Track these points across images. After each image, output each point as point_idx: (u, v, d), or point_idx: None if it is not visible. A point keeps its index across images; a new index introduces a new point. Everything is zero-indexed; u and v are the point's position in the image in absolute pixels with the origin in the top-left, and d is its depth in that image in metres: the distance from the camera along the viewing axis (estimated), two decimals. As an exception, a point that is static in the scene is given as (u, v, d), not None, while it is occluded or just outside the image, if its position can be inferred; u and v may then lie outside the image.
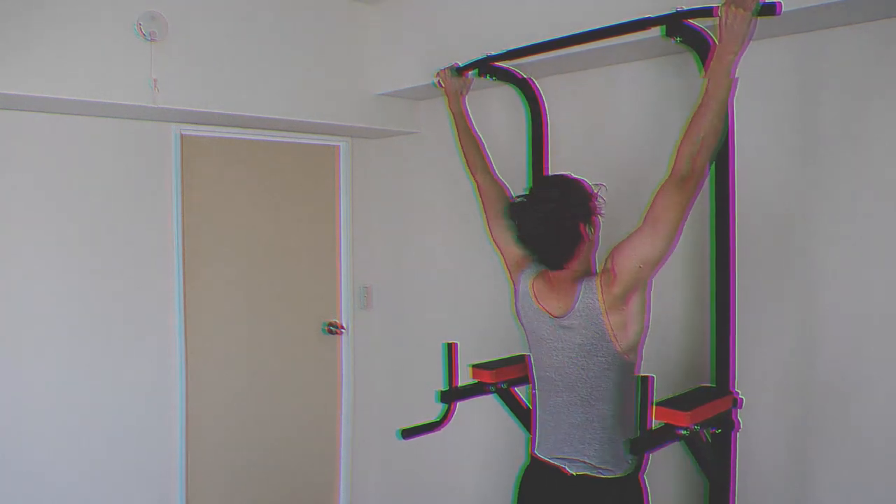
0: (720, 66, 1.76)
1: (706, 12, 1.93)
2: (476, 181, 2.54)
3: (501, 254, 2.33)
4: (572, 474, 2.03)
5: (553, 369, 2.09)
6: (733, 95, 1.83)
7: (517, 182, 2.95)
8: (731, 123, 2.00)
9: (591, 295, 1.95)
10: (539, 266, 2.16)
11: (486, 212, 2.47)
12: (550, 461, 2.09)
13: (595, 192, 2.05)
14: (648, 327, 2.02)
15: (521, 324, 2.21)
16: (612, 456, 2.01)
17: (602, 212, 2.05)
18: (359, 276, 3.89)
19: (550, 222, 1.97)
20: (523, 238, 2.03)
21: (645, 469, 2.10)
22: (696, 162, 1.78)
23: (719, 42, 1.77)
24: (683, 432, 1.88)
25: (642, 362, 2.47)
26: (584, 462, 2.02)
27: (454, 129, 2.65)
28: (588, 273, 2.04)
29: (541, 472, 2.13)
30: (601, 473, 2.00)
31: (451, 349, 2.50)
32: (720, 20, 1.76)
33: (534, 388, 2.21)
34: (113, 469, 3.12)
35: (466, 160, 2.59)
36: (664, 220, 1.82)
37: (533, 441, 2.20)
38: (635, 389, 1.90)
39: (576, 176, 2.06)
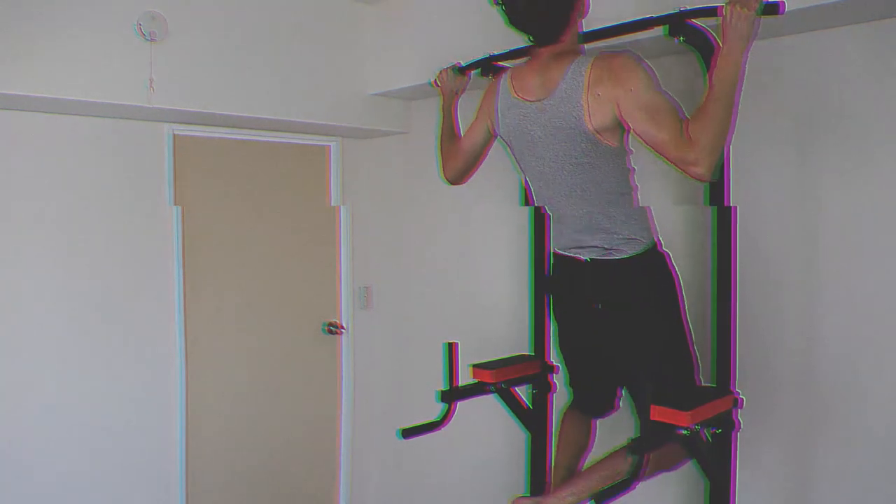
0: (728, 67, 1.71)
1: (709, 12, 1.92)
2: (448, 181, 2.51)
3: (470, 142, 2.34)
4: (586, 260, 2.03)
5: (539, 164, 2.05)
6: (738, 97, 1.79)
7: (511, 184, 2.95)
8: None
9: (578, 78, 1.86)
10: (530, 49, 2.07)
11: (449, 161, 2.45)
12: (565, 253, 2.11)
13: None
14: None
15: (505, 141, 2.18)
16: (620, 238, 1.98)
17: None
18: (358, 276, 3.89)
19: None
20: (512, 13, 1.92)
21: (643, 473, 2.04)
22: (711, 158, 1.70)
23: (724, 43, 1.74)
24: (684, 432, 1.87)
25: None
26: (595, 246, 2.01)
27: (439, 129, 2.58)
28: (577, 52, 1.96)
29: (561, 264, 2.16)
30: (613, 255, 1.99)
31: (451, 349, 2.49)
32: (724, 20, 1.73)
33: (533, 195, 2.21)
34: (113, 470, 3.12)
35: (444, 163, 2.48)
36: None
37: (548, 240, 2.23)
38: (632, 177, 1.93)
39: None
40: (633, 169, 2.01)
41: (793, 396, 2.29)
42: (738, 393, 2.04)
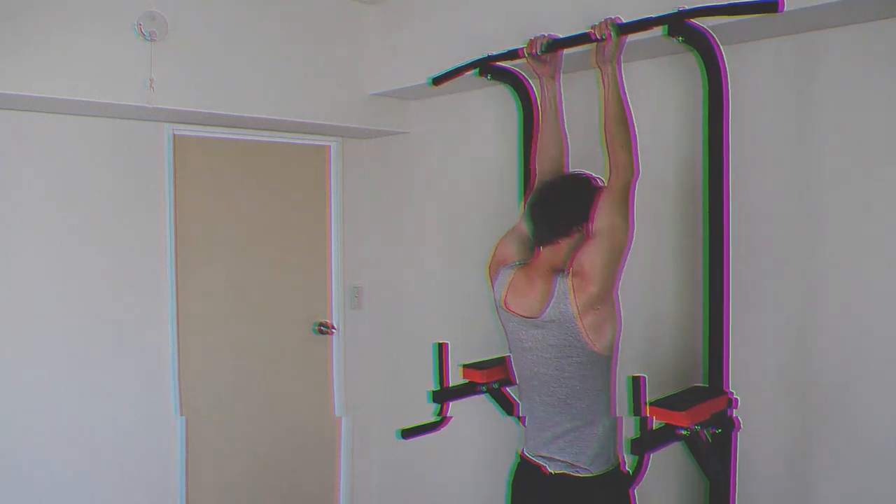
0: (608, 89, 2.04)
1: (708, 12, 1.94)
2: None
3: (493, 255, 2.32)
4: (551, 473, 2.05)
5: (529, 369, 2.11)
6: (627, 105, 2.03)
7: (510, 185, 2.95)
8: (726, 122, 2.01)
9: (563, 299, 1.96)
10: (523, 258, 2.19)
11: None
12: (533, 459, 2.11)
13: None
14: (622, 326, 2.05)
15: (501, 324, 2.23)
16: (591, 455, 2.01)
17: None
18: (350, 276, 3.87)
19: (562, 192, 2.09)
20: (531, 205, 2.11)
21: (644, 473, 2.07)
22: (631, 166, 1.98)
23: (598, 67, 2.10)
24: (684, 432, 1.87)
25: (631, 363, 2.48)
26: (563, 461, 2.03)
27: (545, 121, 2.31)
28: (563, 271, 2.03)
29: (526, 471, 2.15)
30: (579, 472, 2.01)
31: (441, 349, 2.49)
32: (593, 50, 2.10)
33: (518, 387, 2.24)
34: (112, 470, 3.10)
35: (540, 160, 2.32)
36: (618, 222, 1.95)
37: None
38: (614, 386, 1.97)
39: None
40: (615, 381, 2.06)
41: (791, 396, 2.29)
42: (732, 393, 2.04)
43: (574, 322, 1.95)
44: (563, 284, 1.97)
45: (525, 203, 2.22)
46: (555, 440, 2.05)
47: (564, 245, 2.05)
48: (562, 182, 2.14)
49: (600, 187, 2.05)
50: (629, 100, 2.06)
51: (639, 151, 2.04)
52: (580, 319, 1.94)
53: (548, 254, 2.08)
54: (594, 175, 2.11)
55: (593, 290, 1.92)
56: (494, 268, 2.26)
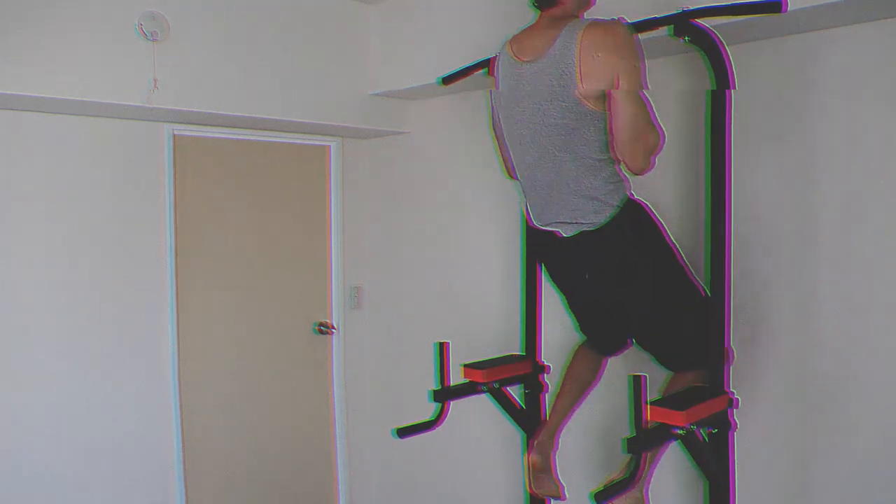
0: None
1: (712, 12, 1.95)
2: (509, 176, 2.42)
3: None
4: (565, 236, 2.06)
5: (519, 127, 2.08)
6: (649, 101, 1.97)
7: (510, 185, 2.95)
8: (728, 124, 2.01)
9: (570, 40, 1.91)
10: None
11: None
12: (543, 228, 2.12)
13: None
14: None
15: (494, 109, 2.20)
16: (592, 208, 2.00)
17: None
18: (350, 276, 3.87)
19: None
20: None
21: (640, 474, 2.06)
22: (650, 158, 1.94)
23: None
24: (680, 432, 1.87)
25: (631, 363, 2.48)
26: (569, 223, 2.04)
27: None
28: (574, 17, 2.00)
29: (541, 239, 2.17)
30: (588, 227, 2.01)
31: (442, 348, 2.48)
32: None
33: (514, 172, 2.23)
34: (112, 470, 3.08)
35: (504, 162, 2.40)
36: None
37: (526, 213, 2.21)
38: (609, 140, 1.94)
39: None
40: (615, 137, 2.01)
41: (790, 396, 2.29)
42: (733, 393, 2.04)
43: (572, 59, 1.89)
44: (577, 23, 1.93)
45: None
46: (553, 202, 2.05)
47: (569, 4, 2.02)
48: None
49: None
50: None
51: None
52: (579, 59, 1.89)
53: (550, 14, 2.03)
54: None
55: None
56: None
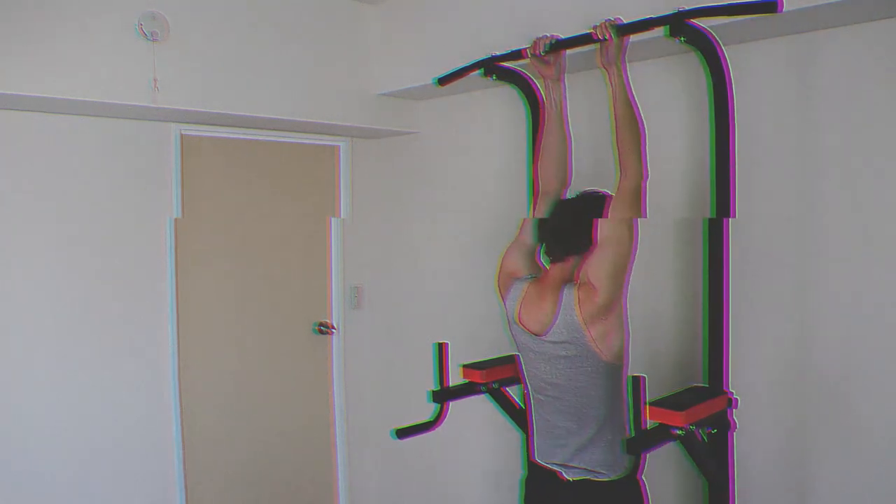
0: (616, 91, 2.04)
1: (708, 12, 1.94)
2: (547, 192, 2.32)
3: (500, 267, 2.33)
4: (570, 480, 2.06)
5: (541, 379, 2.13)
6: (635, 105, 2.03)
7: (518, 186, 2.95)
8: (732, 122, 2.01)
9: (570, 310, 1.98)
10: (531, 271, 2.22)
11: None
12: (548, 466, 2.12)
13: None
14: (629, 333, 2.06)
15: (512, 336, 2.25)
16: (607, 459, 2.03)
17: None
18: (350, 276, 3.87)
19: (577, 214, 2.09)
20: (547, 224, 2.16)
21: (643, 469, 2.10)
22: (639, 167, 1.98)
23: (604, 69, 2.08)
24: (679, 432, 1.87)
25: (631, 363, 2.48)
26: (581, 468, 2.05)
27: (549, 123, 2.30)
28: (570, 282, 2.07)
29: (541, 477, 2.16)
30: (598, 477, 2.03)
31: (441, 349, 2.49)
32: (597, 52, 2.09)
33: (527, 393, 2.25)
34: (111, 471, 3.09)
35: (543, 164, 2.32)
36: (624, 233, 1.96)
37: (530, 447, 2.22)
38: (626, 392, 1.95)
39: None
40: (626, 388, 2.06)
41: (789, 396, 2.29)
42: (732, 393, 2.04)
43: (582, 332, 1.96)
44: (570, 295, 1.99)
45: (534, 215, 2.27)
46: (569, 448, 2.07)
47: (573, 260, 2.08)
48: (580, 203, 2.14)
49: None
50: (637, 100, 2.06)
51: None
52: (587, 330, 1.96)
53: (557, 270, 2.11)
54: (608, 192, 2.11)
55: (599, 300, 1.93)
56: (504, 280, 2.27)
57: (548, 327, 2.04)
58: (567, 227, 2.09)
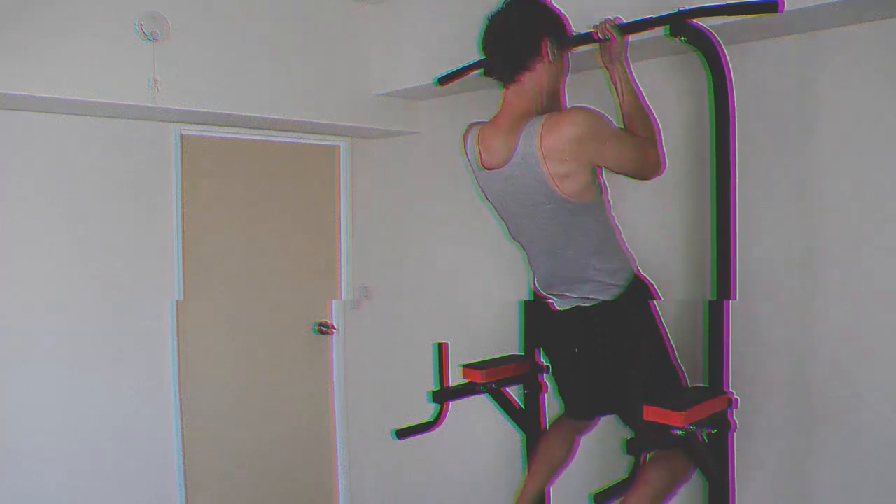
0: (623, 88, 2.03)
1: (708, 12, 1.94)
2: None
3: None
4: (559, 310, 2.06)
5: (514, 220, 2.09)
6: (643, 100, 2.04)
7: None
8: (732, 123, 2.01)
9: (530, 141, 1.87)
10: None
11: None
12: (545, 295, 2.12)
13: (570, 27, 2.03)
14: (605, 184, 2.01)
15: (483, 192, 2.17)
16: (599, 287, 2.00)
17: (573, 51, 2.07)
18: (350, 276, 3.87)
19: (514, 18, 1.93)
20: (484, 39, 2.00)
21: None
22: (658, 161, 1.98)
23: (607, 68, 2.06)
24: (679, 432, 1.87)
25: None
26: (575, 297, 2.03)
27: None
28: (536, 112, 1.96)
29: (541, 309, 2.17)
30: (588, 303, 2.01)
31: (441, 349, 2.48)
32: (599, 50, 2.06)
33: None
34: (112, 470, 3.09)
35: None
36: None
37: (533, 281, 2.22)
38: (614, 228, 2.00)
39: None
40: (609, 203, 2.03)
41: (790, 396, 2.29)
42: (732, 393, 2.04)
43: (539, 167, 1.87)
44: (532, 126, 1.87)
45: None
46: (560, 282, 2.05)
47: (529, 82, 1.96)
48: (509, 6, 1.96)
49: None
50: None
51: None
52: (545, 164, 1.86)
53: (513, 96, 1.99)
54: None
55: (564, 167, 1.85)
56: (465, 133, 2.17)
57: (505, 160, 1.96)
58: (504, 34, 1.92)
